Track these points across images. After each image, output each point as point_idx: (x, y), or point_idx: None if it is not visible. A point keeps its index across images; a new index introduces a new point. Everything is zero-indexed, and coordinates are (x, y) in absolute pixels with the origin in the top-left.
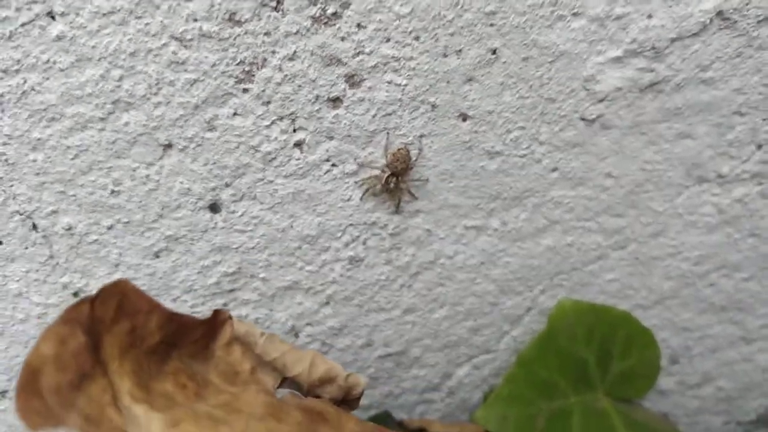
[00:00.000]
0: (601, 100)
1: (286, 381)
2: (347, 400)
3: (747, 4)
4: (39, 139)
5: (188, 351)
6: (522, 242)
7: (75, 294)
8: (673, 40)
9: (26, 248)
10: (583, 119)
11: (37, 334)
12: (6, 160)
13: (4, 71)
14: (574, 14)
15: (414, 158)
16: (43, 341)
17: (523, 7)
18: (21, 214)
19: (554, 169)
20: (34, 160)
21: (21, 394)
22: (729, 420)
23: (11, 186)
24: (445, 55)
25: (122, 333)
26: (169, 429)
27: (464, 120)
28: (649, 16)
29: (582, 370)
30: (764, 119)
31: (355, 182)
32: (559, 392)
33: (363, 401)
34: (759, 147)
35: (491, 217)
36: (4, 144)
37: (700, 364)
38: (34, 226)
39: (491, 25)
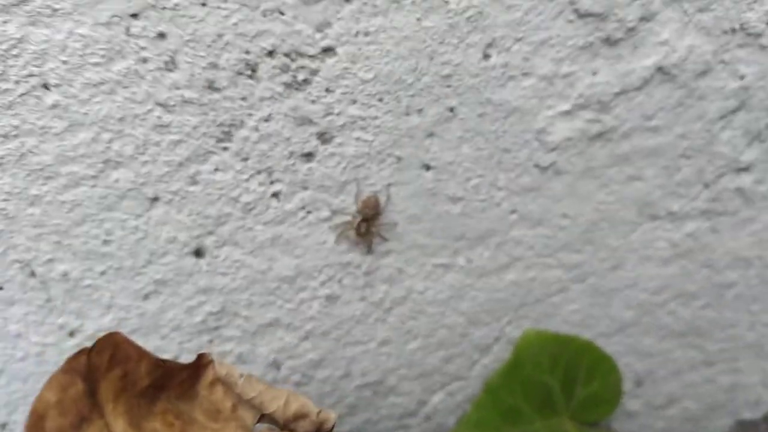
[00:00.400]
0: (553, 149)
1: (264, 417)
2: None
3: (684, 60)
4: (36, 196)
5: (175, 392)
6: (487, 277)
7: (71, 333)
8: (617, 94)
9: (25, 293)
10: (537, 166)
11: (35, 371)
12: (6, 215)
13: (4, 136)
14: (524, 74)
15: (383, 204)
16: (46, 389)
17: (476, 70)
18: (20, 262)
19: (513, 211)
20: (32, 214)
21: None
22: None
23: (11, 237)
24: (407, 114)
25: (115, 379)
26: None
27: (427, 170)
28: (594, 73)
29: (547, 396)
30: (708, 161)
31: (329, 227)
32: (524, 418)
33: (344, 428)
34: (706, 186)
35: (457, 256)
36: (5, 200)
37: (664, 386)
38: (32, 273)
39: (448, 86)
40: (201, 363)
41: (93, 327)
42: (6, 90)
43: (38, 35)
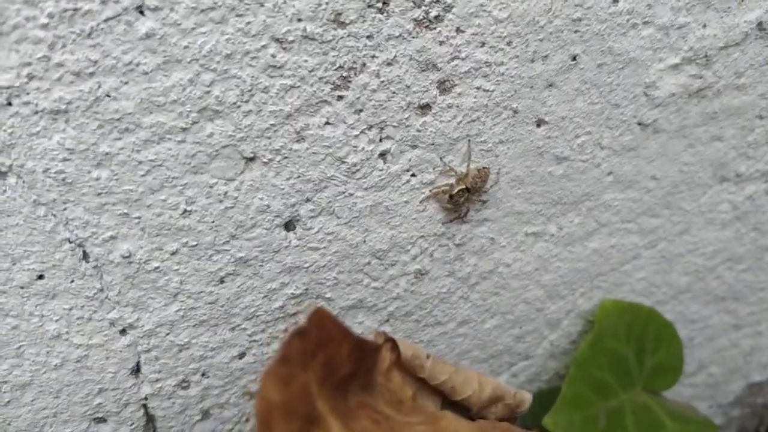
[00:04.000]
0: (657, 106)
1: (454, 403)
2: (510, 420)
3: None
4: (107, 154)
5: (359, 382)
6: (572, 246)
7: (122, 331)
8: (720, 48)
9: (72, 281)
10: (640, 124)
11: (71, 381)
12: (64, 180)
13: (76, 74)
14: (645, 22)
15: (490, 183)
16: (267, 385)
17: (605, 15)
18: (71, 242)
19: (610, 173)
20: (98, 178)
21: None
22: (712, 404)
23: (64, 209)
24: (532, 60)
25: (319, 366)
26: None
27: (539, 126)
28: (704, 26)
29: (625, 367)
30: None
31: (430, 190)
32: (611, 391)
33: None
34: None
35: (549, 223)
36: (64, 160)
37: (698, 352)
38: (85, 255)
39: (576, 31)
40: (380, 345)
41: (152, 321)
42: (87, 12)
43: None
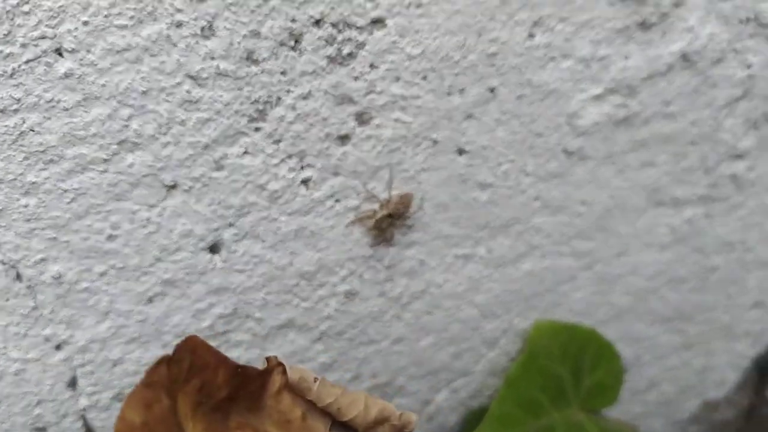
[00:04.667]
0: (581, 134)
1: (340, 424)
2: None
3: (705, 48)
4: (33, 183)
5: (244, 404)
6: (504, 268)
7: (57, 346)
8: (644, 79)
9: (7, 300)
10: (565, 151)
11: (11, 392)
12: None
13: (1, 111)
14: (564, 55)
15: (414, 209)
16: (128, 408)
17: (520, 49)
18: (5, 264)
19: (537, 198)
20: (26, 206)
21: None
22: (667, 422)
23: None
24: (449, 94)
25: (193, 391)
26: None
27: (461, 155)
28: (626, 57)
29: (559, 387)
30: (711, 148)
31: (355, 215)
32: (543, 410)
33: None
34: (706, 172)
35: (479, 245)
36: None
37: (647, 371)
38: (18, 276)
39: (492, 65)
40: (268, 369)
41: (85, 338)
42: (9, 55)
43: None
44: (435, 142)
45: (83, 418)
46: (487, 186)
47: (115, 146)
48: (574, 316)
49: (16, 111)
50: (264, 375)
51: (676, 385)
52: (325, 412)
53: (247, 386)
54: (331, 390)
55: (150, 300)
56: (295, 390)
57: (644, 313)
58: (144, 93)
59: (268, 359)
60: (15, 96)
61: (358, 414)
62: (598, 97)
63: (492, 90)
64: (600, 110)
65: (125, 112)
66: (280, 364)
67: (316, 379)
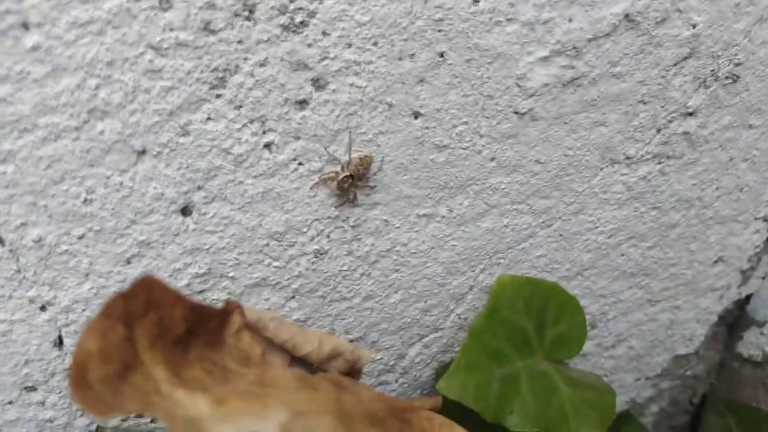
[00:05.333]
0: (531, 96)
1: (297, 359)
2: (351, 373)
3: (647, 8)
4: (10, 151)
5: (204, 340)
6: (465, 226)
7: (42, 308)
8: (589, 41)
9: None
10: (516, 113)
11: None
12: None
13: None
14: (509, 20)
15: (374, 170)
16: (86, 337)
17: (466, 14)
18: None
19: (492, 159)
20: (4, 173)
21: (74, 388)
22: (639, 376)
23: None
24: (400, 59)
25: (151, 324)
26: (217, 407)
27: (416, 118)
28: (570, 20)
29: (523, 338)
30: (662, 106)
31: (318, 177)
32: (506, 359)
33: None
34: (658, 131)
35: (439, 205)
36: None
37: (614, 326)
38: (1, 241)
39: (439, 30)
40: (228, 309)
41: (68, 298)
42: None
43: None
44: (390, 105)
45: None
46: (444, 147)
47: (85, 115)
48: (538, 272)
49: None
50: (223, 314)
51: (645, 341)
52: (282, 349)
53: (206, 324)
54: (288, 328)
55: (128, 261)
56: (253, 329)
57: (606, 270)
58: (109, 63)
59: (227, 302)
60: None
61: (312, 350)
62: (544, 59)
63: (441, 54)
64: (548, 72)
65: (93, 82)
66: (239, 305)
67: (272, 318)
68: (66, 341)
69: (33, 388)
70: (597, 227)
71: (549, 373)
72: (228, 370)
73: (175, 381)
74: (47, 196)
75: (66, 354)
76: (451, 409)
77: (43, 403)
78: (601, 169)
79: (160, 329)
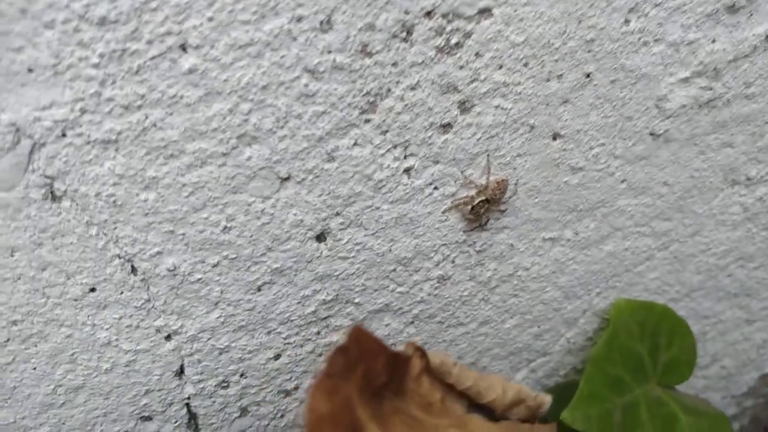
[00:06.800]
0: (668, 117)
1: (479, 406)
2: (531, 419)
3: None
4: (154, 178)
5: (393, 389)
6: (588, 250)
7: (167, 337)
8: (729, 62)
9: (121, 293)
10: (651, 134)
11: (120, 383)
12: (114, 202)
13: (125, 107)
14: (656, 40)
15: (510, 194)
16: (315, 397)
17: (617, 35)
18: (121, 258)
19: (623, 181)
20: (145, 200)
21: None
22: (725, 395)
23: (114, 229)
24: (548, 80)
25: (359, 378)
26: None
27: (555, 139)
28: (713, 41)
29: (639, 363)
30: None
31: (451, 201)
32: (626, 387)
33: None
34: None
35: (566, 229)
36: (115, 185)
37: (711, 346)
38: (134, 269)
39: (589, 51)
40: (410, 354)
41: (195, 327)
42: (135, 52)
43: None
44: (532, 127)
45: (187, 405)
46: (578, 170)
47: (235, 140)
48: (649, 295)
49: (139, 107)
50: (406, 359)
51: (737, 360)
52: (462, 395)
53: (398, 371)
54: (469, 374)
55: (259, 289)
56: (436, 374)
57: (713, 291)
58: (264, 88)
59: (408, 344)
60: (139, 92)
61: (496, 397)
62: (685, 80)
63: (588, 75)
64: (686, 93)
65: (245, 106)
66: (420, 348)
67: (455, 363)
68: (187, 371)
69: (149, 418)
70: (710, 249)
71: (665, 400)
72: (420, 421)
73: None
74: (186, 224)
75: (185, 383)
76: None
77: None
78: (722, 190)
79: (364, 381)
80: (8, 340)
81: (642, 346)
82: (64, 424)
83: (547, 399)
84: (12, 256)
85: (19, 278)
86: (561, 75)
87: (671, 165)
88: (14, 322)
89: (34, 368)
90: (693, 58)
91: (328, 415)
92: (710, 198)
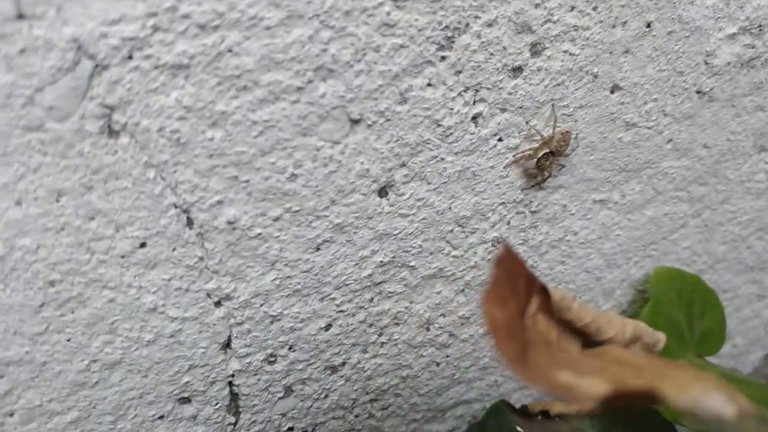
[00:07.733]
0: (714, 74)
1: (598, 343)
2: None
3: None
4: (223, 113)
5: None
6: (632, 214)
7: (217, 303)
8: None
9: (174, 249)
10: (698, 92)
11: (162, 357)
12: (177, 140)
13: (201, 27)
14: None
15: (572, 147)
16: (490, 304)
17: None
18: (177, 207)
19: (669, 140)
20: (211, 139)
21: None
22: None
23: (174, 172)
24: (614, 26)
25: (519, 291)
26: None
27: (613, 92)
28: None
29: (679, 332)
30: None
31: (513, 155)
32: (672, 354)
33: (470, 395)
34: None
35: (614, 190)
36: (180, 119)
37: (727, 324)
38: (189, 222)
39: None
40: (541, 285)
41: (248, 291)
42: None
43: None
44: (595, 76)
45: (230, 384)
46: (632, 126)
47: (311, 73)
48: (681, 265)
49: (216, 28)
50: (536, 292)
51: (747, 338)
52: (577, 333)
53: (529, 298)
54: (587, 310)
55: (318, 247)
56: (555, 310)
57: (733, 263)
58: (347, 13)
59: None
60: (218, 10)
61: (617, 332)
62: (731, 37)
63: (648, 25)
64: (732, 50)
65: (326, 34)
66: (542, 284)
67: (574, 299)
68: (234, 342)
69: (188, 400)
70: (736, 217)
71: (707, 369)
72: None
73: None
74: (252, 169)
75: (231, 358)
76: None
77: (195, 418)
78: (750, 156)
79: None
80: (42, 304)
81: (680, 314)
82: (94, 407)
83: (663, 337)
84: (57, 201)
85: (62, 228)
86: (625, 22)
87: (712, 126)
88: (51, 283)
89: (69, 339)
90: (741, 13)
91: (505, 325)
92: (741, 163)
